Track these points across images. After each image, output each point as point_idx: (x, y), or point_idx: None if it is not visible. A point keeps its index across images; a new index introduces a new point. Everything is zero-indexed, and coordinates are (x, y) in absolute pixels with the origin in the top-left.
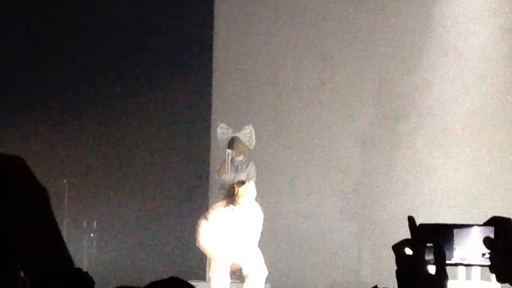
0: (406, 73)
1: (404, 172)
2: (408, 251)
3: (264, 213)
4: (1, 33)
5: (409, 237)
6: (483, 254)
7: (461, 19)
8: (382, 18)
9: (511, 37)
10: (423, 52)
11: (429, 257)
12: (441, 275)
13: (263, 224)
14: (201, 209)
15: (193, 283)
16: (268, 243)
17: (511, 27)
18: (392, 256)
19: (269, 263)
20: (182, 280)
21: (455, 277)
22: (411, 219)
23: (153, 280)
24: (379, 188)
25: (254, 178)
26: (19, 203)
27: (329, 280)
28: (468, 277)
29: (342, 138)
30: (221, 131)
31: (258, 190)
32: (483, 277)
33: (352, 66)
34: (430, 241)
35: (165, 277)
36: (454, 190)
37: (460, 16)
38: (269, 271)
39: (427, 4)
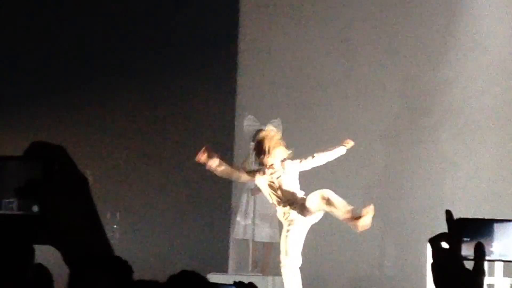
0: (431, 68)
1: (427, 167)
2: (445, 245)
3: None
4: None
5: (436, 231)
6: None
7: (487, 15)
8: (408, 13)
9: None
10: (448, 47)
11: (466, 252)
12: (479, 271)
13: None
14: (224, 202)
15: (214, 275)
16: None
17: None
18: (415, 249)
19: None
20: (193, 272)
21: (491, 274)
22: (448, 213)
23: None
24: (402, 182)
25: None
26: (60, 191)
27: (352, 274)
28: (506, 274)
29: (366, 132)
30: (248, 123)
31: None
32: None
33: (377, 60)
34: (467, 235)
35: (187, 267)
36: (477, 185)
37: (485, 12)
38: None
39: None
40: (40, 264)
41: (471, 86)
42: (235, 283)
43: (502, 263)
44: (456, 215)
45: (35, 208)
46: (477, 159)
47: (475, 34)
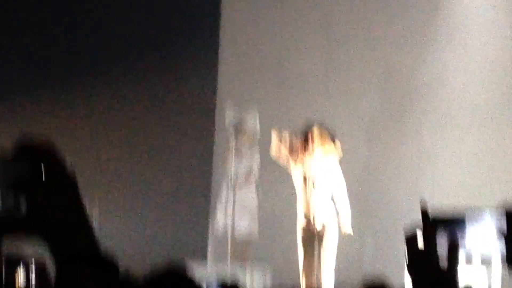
0: (412, 63)
1: (408, 162)
2: (420, 242)
3: (267, 199)
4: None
5: (416, 225)
6: (494, 245)
7: (469, 11)
8: (390, 10)
9: None
10: (430, 44)
11: (441, 248)
12: (454, 265)
13: (263, 209)
14: (203, 191)
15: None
16: (270, 230)
17: None
18: (394, 243)
19: (270, 248)
20: (179, 269)
21: (469, 262)
22: (424, 210)
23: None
24: (383, 177)
25: (258, 165)
26: (48, 190)
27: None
28: (468, 261)
29: (347, 126)
30: (228, 115)
31: (262, 177)
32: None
33: (359, 55)
34: (442, 231)
35: (166, 258)
36: (457, 180)
37: (468, 9)
38: (270, 258)
39: None
40: (38, 260)
41: (453, 82)
42: (219, 284)
43: (478, 251)
44: (435, 209)
45: (24, 206)
46: (456, 155)
47: (457, 30)
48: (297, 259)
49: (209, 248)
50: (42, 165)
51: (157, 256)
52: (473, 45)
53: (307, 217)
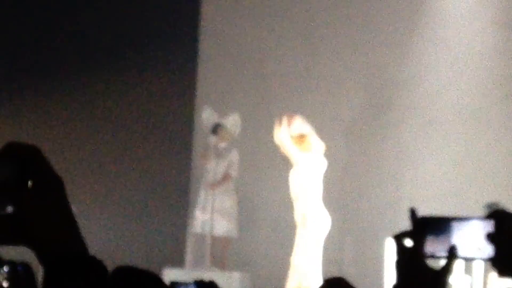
0: (394, 63)
1: (388, 163)
2: (409, 242)
3: (246, 201)
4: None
5: (396, 227)
6: (481, 248)
7: (452, 11)
8: (371, 8)
9: (501, 31)
10: (412, 43)
11: (429, 249)
12: (447, 271)
13: (242, 212)
14: (182, 194)
15: (171, 270)
16: (250, 231)
17: (501, 21)
18: (374, 246)
19: (250, 250)
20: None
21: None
22: (412, 211)
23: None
24: (363, 178)
25: (237, 165)
26: (34, 192)
27: None
28: (467, 271)
29: (327, 127)
30: (206, 116)
31: (240, 179)
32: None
33: (339, 55)
34: (431, 233)
35: (144, 258)
36: (437, 182)
37: (450, 9)
38: (250, 259)
39: None
40: (23, 262)
41: (435, 82)
42: (196, 282)
43: (463, 261)
44: (417, 212)
45: (9, 209)
46: (438, 156)
47: (439, 30)
48: (276, 262)
49: (188, 248)
50: (28, 168)
51: (135, 256)
52: (456, 43)
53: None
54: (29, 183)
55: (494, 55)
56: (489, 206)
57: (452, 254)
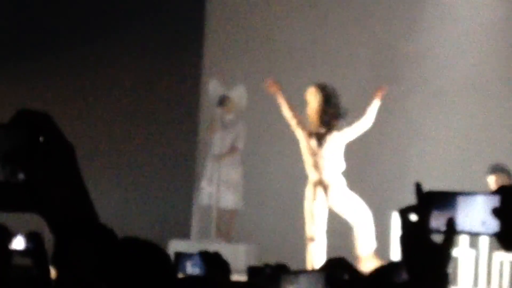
0: (401, 37)
1: (396, 136)
2: (414, 217)
3: (252, 173)
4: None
5: (403, 201)
6: (486, 223)
7: None
8: None
9: (509, 4)
10: (419, 17)
11: (435, 224)
12: (449, 244)
13: (249, 184)
14: (188, 166)
15: (177, 242)
16: (256, 203)
17: None
18: (381, 219)
19: (256, 222)
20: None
21: (456, 245)
22: (418, 185)
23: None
24: (370, 151)
25: (243, 137)
26: (45, 159)
27: None
28: (472, 245)
29: None
30: (213, 88)
31: (247, 151)
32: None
33: (347, 27)
34: (436, 207)
35: (150, 231)
36: (445, 154)
37: None
38: (255, 231)
39: None
40: (33, 231)
41: (442, 56)
42: (200, 253)
43: (468, 235)
44: (423, 185)
45: (21, 176)
46: (445, 129)
47: (446, 3)
48: (282, 234)
49: (194, 219)
50: (40, 134)
51: (141, 228)
52: (464, 16)
53: (315, 174)
54: (40, 138)
55: (502, 27)
56: (493, 167)
57: (450, 226)
